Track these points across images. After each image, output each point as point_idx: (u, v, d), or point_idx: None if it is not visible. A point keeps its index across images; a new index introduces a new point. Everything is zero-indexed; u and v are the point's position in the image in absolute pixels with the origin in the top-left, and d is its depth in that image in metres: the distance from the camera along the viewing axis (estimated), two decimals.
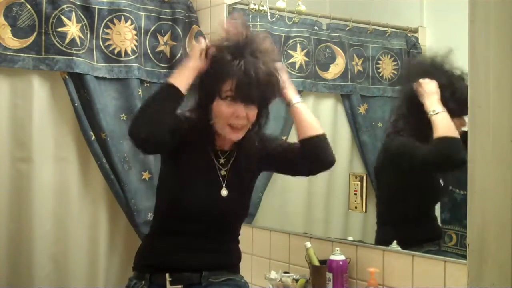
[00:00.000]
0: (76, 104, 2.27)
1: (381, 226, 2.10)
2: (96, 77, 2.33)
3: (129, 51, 2.42)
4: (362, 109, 2.37)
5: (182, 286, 1.74)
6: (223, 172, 1.78)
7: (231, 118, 1.67)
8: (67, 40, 2.23)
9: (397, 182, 2.05)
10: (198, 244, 1.76)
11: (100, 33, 2.37)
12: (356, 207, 2.20)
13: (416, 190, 1.99)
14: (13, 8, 2.17)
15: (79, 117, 2.29)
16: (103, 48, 2.38)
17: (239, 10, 2.56)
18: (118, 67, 2.40)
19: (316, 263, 2.01)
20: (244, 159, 1.78)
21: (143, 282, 1.77)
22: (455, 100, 1.83)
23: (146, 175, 2.46)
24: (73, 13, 2.26)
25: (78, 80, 2.29)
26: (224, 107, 1.66)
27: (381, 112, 2.32)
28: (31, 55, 2.20)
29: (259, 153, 1.80)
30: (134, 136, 1.63)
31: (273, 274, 2.10)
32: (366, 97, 2.37)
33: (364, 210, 2.18)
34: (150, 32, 2.52)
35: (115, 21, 2.40)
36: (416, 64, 2.17)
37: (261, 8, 2.49)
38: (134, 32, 2.44)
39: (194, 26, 2.62)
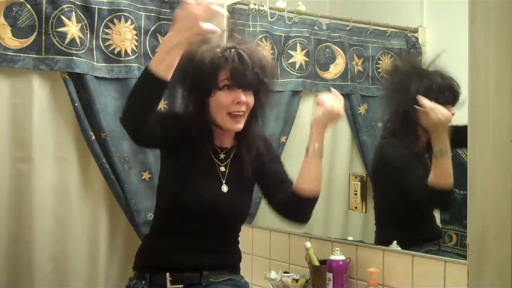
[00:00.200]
0: (76, 104, 2.27)
1: (380, 227, 2.10)
2: (96, 77, 2.33)
3: (129, 51, 2.41)
4: (362, 109, 2.37)
5: (182, 286, 1.74)
6: (222, 169, 1.78)
7: (231, 105, 1.67)
8: (67, 40, 2.23)
9: (394, 183, 2.05)
10: (199, 243, 1.76)
11: (100, 33, 2.37)
12: (356, 207, 2.20)
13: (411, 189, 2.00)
14: (13, 8, 2.17)
15: (79, 117, 2.29)
16: (103, 48, 2.38)
17: (239, 10, 2.56)
18: (118, 67, 2.39)
19: (316, 263, 2.01)
20: (244, 156, 1.78)
21: (143, 282, 1.77)
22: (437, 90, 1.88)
23: (146, 175, 2.46)
24: (73, 13, 2.26)
25: (78, 80, 2.29)
26: (223, 96, 1.67)
27: (381, 112, 2.32)
28: (31, 55, 2.20)
29: (258, 159, 1.80)
30: (122, 123, 1.60)
31: (273, 274, 2.10)
32: (366, 97, 2.37)
33: (364, 210, 2.18)
34: (150, 32, 2.51)
35: (115, 21, 2.39)
36: (405, 65, 2.17)
37: (261, 8, 2.49)
38: (134, 32, 2.44)
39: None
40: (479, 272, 1.51)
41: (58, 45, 2.22)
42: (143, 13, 2.49)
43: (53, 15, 2.21)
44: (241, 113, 1.70)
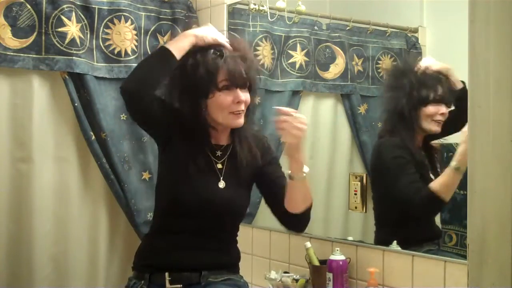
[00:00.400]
0: (76, 104, 2.28)
1: (379, 227, 2.10)
2: (96, 77, 2.34)
3: (129, 51, 2.42)
4: (362, 109, 2.37)
5: (181, 285, 1.74)
6: (219, 166, 1.79)
7: (232, 105, 1.71)
8: (67, 40, 2.23)
9: (392, 183, 2.05)
10: (198, 243, 1.76)
11: (100, 33, 2.37)
12: (356, 207, 2.20)
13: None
14: (13, 8, 2.17)
15: (79, 117, 2.29)
16: (103, 48, 2.38)
17: (239, 10, 2.56)
18: (118, 67, 2.40)
19: (316, 263, 2.01)
20: (240, 152, 1.78)
21: (143, 281, 1.77)
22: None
23: (146, 175, 2.46)
24: (73, 13, 2.26)
25: (78, 80, 2.29)
26: (223, 97, 1.70)
27: (380, 111, 2.32)
28: (31, 55, 2.20)
29: (256, 159, 1.80)
30: (122, 91, 1.70)
31: (273, 274, 2.10)
32: (366, 97, 2.37)
33: (364, 210, 2.18)
34: (150, 32, 2.52)
35: (115, 21, 2.40)
36: (402, 65, 2.20)
37: (261, 8, 2.49)
38: (134, 32, 2.44)
39: (194, 26, 2.61)
40: (479, 272, 1.50)
41: (58, 45, 2.22)
42: (143, 13, 2.50)
43: (53, 15, 2.21)
44: (242, 111, 1.73)
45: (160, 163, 1.86)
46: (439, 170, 1.98)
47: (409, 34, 2.21)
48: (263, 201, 2.47)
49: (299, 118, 1.61)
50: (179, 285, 1.74)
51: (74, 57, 2.25)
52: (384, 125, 2.11)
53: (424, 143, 1.99)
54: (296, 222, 1.80)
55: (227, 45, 1.75)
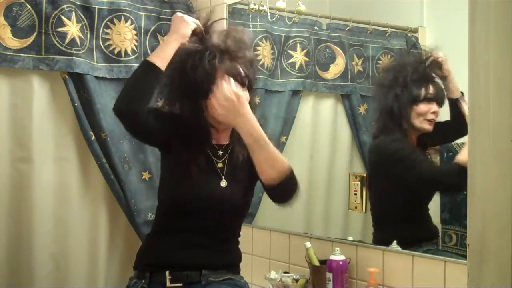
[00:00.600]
0: (76, 104, 2.28)
1: (377, 227, 2.10)
2: (96, 77, 2.34)
3: (129, 51, 2.42)
4: (362, 109, 2.37)
5: (181, 284, 1.74)
6: (220, 165, 1.79)
7: None
8: (67, 40, 2.23)
9: (389, 181, 2.06)
10: (199, 242, 1.76)
11: (100, 33, 2.37)
12: (356, 207, 2.20)
13: (409, 188, 2.00)
14: (13, 8, 2.17)
15: (79, 117, 2.29)
16: (103, 48, 2.38)
17: (239, 10, 2.56)
18: (118, 67, 2.40)
19: (316, 263, 2.01)
20: (239, 151, 1.78)
21: (143, 280, 1.77)
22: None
23: (146, 175, 2.46)
24: (73, 13, 2.26)
25: (78, 80, 2.29)
26: None
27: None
28: (31, 55, 2.20)
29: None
30: (116, 112, 1.72)
31: (273, 274, 2.10)
32: (366, 97, 2.37)
33: (364, 210, 2.18)
34: (150, 32, 2.52)
35: (115, 21, 2.40)
36: (394, 64, 2.23)
37: (261, 8, 2.49)
38: (134, 32, 2.44)
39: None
40: (479, 272, 1.50)
41: (58, 45, 2.22)
42: (143, 13, 2.50)
43: (53, 15, 2.21)
44: None
45: (162, 165, 1.87)
46: None
47: (409, 34, 2.21)
48: (263, 201, 2.49)
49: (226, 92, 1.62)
50: (179, 284, 1.74)
51: (74, 57, 2.25)
52: (377, 124, 2.11)
53: (418, 142, 1.99)
54: (277, 193, 1.71)
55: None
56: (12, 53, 2.16)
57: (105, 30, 2.38)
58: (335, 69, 2.41)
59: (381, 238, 2.03)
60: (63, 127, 2.33)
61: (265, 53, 2.48)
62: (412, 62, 2.03)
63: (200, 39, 1.78)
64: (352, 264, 2.00)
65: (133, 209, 2.39)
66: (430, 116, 1.93)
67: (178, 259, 1.76)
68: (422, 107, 1.94)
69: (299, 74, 2.47)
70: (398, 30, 2.26)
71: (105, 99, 2.35)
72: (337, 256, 1.95)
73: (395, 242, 1.94)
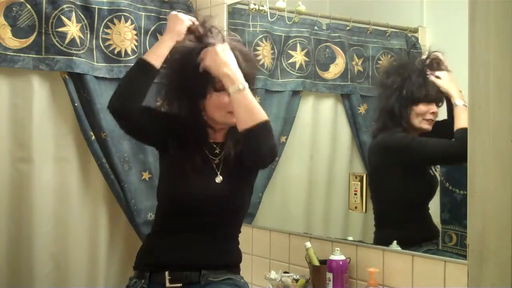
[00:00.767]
0: (76, 104, 2.28)
1: (378, 227, 2.10)
2: (96, 77, 2.33)
3: (129, 51, 2.42)
4: (362, 109, 2.37)
5: (181, 284, 1.74)
6: (216, 161, 1.79)
7: (230, 104, 1.70)
8: (67, 40, 2.23)
9: (390, 180, 2.06)
10: (198, 242, 1.76)
11: (100, 33, 2.37)
12: (356, 207, 2.20)
13: (409, 187, 2.00)
14: (13, 8, 2.17)
15: (79, 117, 2.29)
16: (103, 48, 2.38)
17: (239, 10, 2.56)
18: (118, 67, 2.40)
19: (316, 263, 2.01)
20: (234, 147, 1.78)
21: (143, 280, 1.77)
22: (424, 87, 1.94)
23: (146, 175, 2.46)
24: (73, 13, 2.26)
25: (78, 80, 2.29)
26: (221, 97, 1.71)
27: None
28: (31, 55, 2.20)
29: None
30: (110, 110, 1.74)
31: (273, 274, 2.10)
32: (366, 97, 2.37)
33: (364, 210, 2.18)
34: (150, 32, 2.51)
35: (115, 21, 2.40)
36: (393, 65, 2.25)
37: (261, 8, 2.49)
38: (134, 32, 2.44)
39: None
40: (479, 272, 1.50)
41: (58, 45, 2.22)
42: (143, 13, 2.50)
43: (53, 15, 2.21)
44: None
45: (160, 165, 1.88)
46: (433, 167, 2.00)
47: (409, 34, 2.21)
48: (263, 201, 2.50)
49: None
50: (178, 284, 1.74)
51: (74, 57, 2.25)
52: (376, 124, 2.11)
53: None
54: (251, 142, 1.64)
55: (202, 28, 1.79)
56: (12, 53, 2.16)
57: (105, 30, 2.38)
58: (335, 69, 2.41)
59: (383, 238, 2.03)
60: (63, 127, 2.33)
61: (265, 53, 2.48)
62: (412, 63, 2.04)
63: (198, 38, 1.79)
64: (352, 264, 2.00)
65: (133, 209, 2.39)
66: (429, 116, 1.95)
67: (178, 259, 1.76)
68: (422, 107, 1.95)
69: (299, 74, 2.47)
70: (398, 30, 2.26)
71: (105, 99, 2.33)
72: (337, 256, 1.95)
73: (395, 242, 1.94)
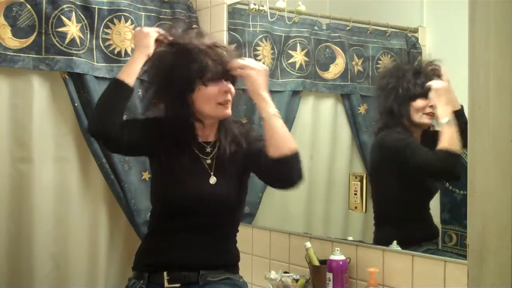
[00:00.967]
0: (76, 104, 2.28)
1: (378, 226, 2.11)
2: (96, 77, 2.33)
3: (129, 51, 2.41)
4: (362, 109, 2.37)
5: (179, 285, 1.74)
6: (208, 161, 1.79)
7: (219, 96, 1.73)
8: (67, 40, 2.23)
9: (390, 179, 2.06)
10: (196, 242, 1.76)
11: (100, 33, 2.37)
12: (356, 207, 2.20)
13: (410, 187, 2.00)
14: (13, 8, 2.17)
15: (79, 117, 2.29)
16: (103, 48, 2.38)
17: (239, 10, 2.56)
18: (118, 67, 2.39)
19: (316, 263, 2.01)
20: (226, 146, 1.79)
21: (142, 281, 1.77)
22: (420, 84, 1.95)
23: (146, 175, 2.46)
24: (73, 13, 2.26)
25: (78, 80, 2.29)
26: (210, 89, 1.73)
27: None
28: (31, 55, 2.20)
29: (244, 147, 1.80)
30: (90, 134, 1.82)
31: (273, 274, 2.10)
32: (366, 97, 2.37)
33: (364, 210, 2.18)
34: None
35: (115, 21, 2.39)
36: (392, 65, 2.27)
37: (261, 8, 2.49)
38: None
39: (194, 26, 2.62)
40: (479, 272, 1.51)
41: (58, 45, 2.22)
42: (143, 13, 2.50)
43: (53, 15, 2.21)
44: (229, 101, 1.76)
45: (150, 168, 1.89)
46: None
47: (409, 34, 2.21)
48: (263, 201, 2.50)
49: (252, 63, 1.72)
50: (177, 285, 1.74)
51: (74, 57, 2.24)
52: (377, 124, 2.12)
53: (422, 142, 2.00)
54: (284, 169, 1.66)
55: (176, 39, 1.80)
56: (12, 53, 2.16)
57: (105, 30, 2.38)
58: (335, 69, 2.41)
59: (382, 237, 2.03)
60: (63, 127, 2.32)
61: (265, 53, 2.48)
62: (406, 63, 2.08)
63: (172, 43, 1.80)
64: (352, 264, 2.00)
65: (133, 209, 2.39)
66: (429, 110, 1.95)
67: (176, 260, 1.75)
68: (420, 102, 1.95)
69: (299, 74, 2.47)
70: (398, 30, 2.26)
71: None
72: (337, 256, 1.95)
73: (395, 242, 1.94)
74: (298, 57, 2.47)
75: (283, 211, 2.54)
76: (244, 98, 2.43)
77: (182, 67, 1.71)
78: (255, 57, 2.46)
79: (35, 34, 2.21)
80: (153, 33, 1.82)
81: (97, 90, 2.31)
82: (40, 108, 2.25)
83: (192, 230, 1.75)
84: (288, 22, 2.49)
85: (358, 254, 2.02)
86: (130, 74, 1.76)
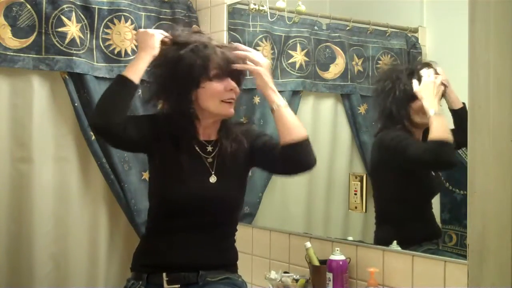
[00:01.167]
0: (76, 104, 2.28)
1: (379, 225, 2.11)
2: (96, 77, 2.33)
3: (129, 51, 2.42)
4: (362, 109, 2.37)
5: (179, 286, 1.74)
6: (210, 160, 1.79)
7: (224, 93, 1.74)
8: (67, 40, 2.23)
9: (391, 178, 2.06)
10: (194, 242, 1.75)
11: (100, 33, 2.37)
12: (356, 207, 2.20)
13: (411, 186, 2.00)
14: (13, 8, 2.17)
15: (79, 117, 2.29)
16: (103, 48, 2.38)
17: (239, 10, 2.56)
18: (118, 67, 2.39)
19: (316, 263, 2.01)
20: (227, 145, 1.79)
21: (140, 282, 1.76)
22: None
23: (146, 175, 2.46)
24: (73, 13, 2.26)
25: (78, 80, 2.29)
26: (215, 85, 1.73)
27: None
28: (31, 55, 2.20)
29: (245, 146, 1.80)
30: (92, 128, 1.83)
31: (273, 274, 2.10)
32: (366, 97, 2.37)
33: (364, 210, 2.18)
34: None
35: (115, 21, 2.40)
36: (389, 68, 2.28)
37: (261, 8, 2.49)
38: (134, 32, 2.44)
39: (194, 26, 2.61)
40: (479, 272, 1.51)
41: (58, 45, 2.22)
42: (143, 13, 2.50)
43: (53, 15, 2.21)
44: (233, 100, 1.77)
45: (149, 166, 1.88)
46: None
47: (409, 34, 2.21)
48: (263, 201, 2.50)
49: (254, 54, 1.78)
50: (176, 285, 1.74)
51: (74, 57, 2.24)
52: (377, 126, 2.14)
53: (423, 138, 2.00)
54: (300, 153, 1.71)
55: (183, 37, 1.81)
56: (12, 53, 2.16)
57: (105, 30, 2.38)
58: (335, 69, 2.41)
59: (383, 236, 2.03)
60: (63, 127, 2.32)
61: (265, 53, 2.48)
62: (401, 65, 2.09)
63: (176, 43, 1.79)
64: (352, 264, 2.00)
65: (133, 209, 2.39)
66: None
67: (175, 260, 1.75)
68: (419, 102, 1.95)
69: (299, 74, 2.47)
70: (398, 30, 2.26)
71: None
72: (337, 256, 1.95)
73: (395, 242, 1.94)
74: (298, 57, 2.47)
75: (283, 211, 2.54)
76: (244, 98, 2.43)
77: (189, 62, 1.71)
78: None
79: (35, 34, 2.21)
80: (158, 34, 1.81)
81: (97, 90, 2.31)
82: (40, 108, 2.25)
83: (191, 230, 1.75)
84: (288, 22, 2.49)
85: (358, 254, 2.02)
86: (136, 71, 1.74)
